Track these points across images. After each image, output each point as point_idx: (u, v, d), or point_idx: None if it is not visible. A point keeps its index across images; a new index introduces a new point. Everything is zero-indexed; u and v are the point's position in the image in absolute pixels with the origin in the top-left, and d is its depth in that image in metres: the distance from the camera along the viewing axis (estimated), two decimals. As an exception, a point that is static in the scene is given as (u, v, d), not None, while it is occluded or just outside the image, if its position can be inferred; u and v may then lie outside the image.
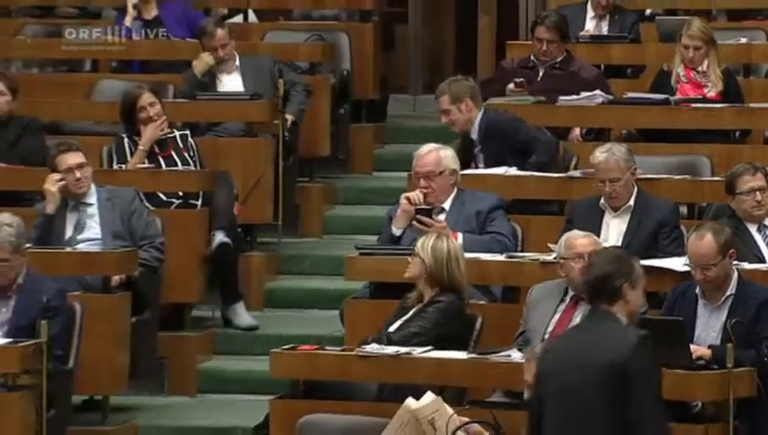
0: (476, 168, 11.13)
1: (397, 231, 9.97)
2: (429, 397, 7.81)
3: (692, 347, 8.57)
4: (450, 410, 7.72)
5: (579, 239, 9.08)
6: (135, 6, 12.80)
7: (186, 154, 11.37)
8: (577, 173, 10.73)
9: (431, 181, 10.04)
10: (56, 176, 10.40)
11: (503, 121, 11.15)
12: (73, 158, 10.44)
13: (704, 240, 8.73)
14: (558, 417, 6.74)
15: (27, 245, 9.74)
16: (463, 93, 11.05)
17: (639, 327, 8.42)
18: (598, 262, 6.84)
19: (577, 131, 11.59)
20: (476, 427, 7.70)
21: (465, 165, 10.77)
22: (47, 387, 9.22)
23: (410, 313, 9.22)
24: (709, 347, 8.60)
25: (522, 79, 11.87)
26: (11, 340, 9.36)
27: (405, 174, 10.89)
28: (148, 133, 11.21)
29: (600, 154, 9.89)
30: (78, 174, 10.39)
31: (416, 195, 9.98)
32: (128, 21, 12.84)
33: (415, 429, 7.80)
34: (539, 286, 9.22)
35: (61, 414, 9.54)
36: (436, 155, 10.12)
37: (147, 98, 11.25)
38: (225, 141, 11.87)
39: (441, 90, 11.22)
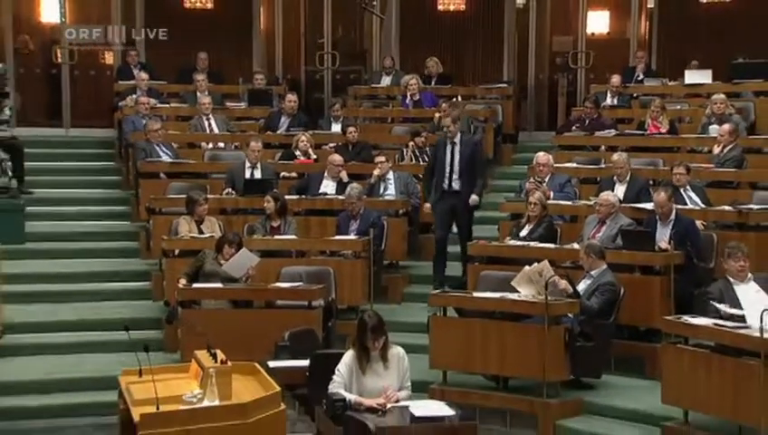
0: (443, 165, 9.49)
1: (523, 192, 9.51)
2: (545, 262, 7.55)
3: (660, 243, 8.16)
4: (550, 268, 7.50)
5: (601, 196, 8.69)
6: (411, 96, 12.54)
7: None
8: (603, 165, 10.25)
9: (543, 168, 9.67)
10: (375, 168, 10.27)
11: (475, 142, 9.76)
12: (379, 157, 10.34)
13: (660, 194, 8.36)
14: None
15: (364, 196, 9.63)
16: (458, 117, 9.78)
17: (630, 236, 8.15)
18: None
19: (603, 147, 11.05)
20: (558, 277, 7.48)
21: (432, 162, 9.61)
22: (373, 257, 9.00)
23: (526, 226, 8.82)
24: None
25: (578, 124, 11.44)
26: (357, 237, 9.25)
27: (525, 167, 10.45)
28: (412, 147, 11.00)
29: (616, 156, 9.52)
30: (379, 164, 10.24)
31: (534, 178, 9.59)
32: (408, 101, 12.59)
33: (528, 275, 7.51)
34: (591, 216, 8.78)
35: (384, 271, 9.48)
36: (547, 157, 9.75)
37: (422, 133, 11.11)
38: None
39: (448, 113, 10.06)
